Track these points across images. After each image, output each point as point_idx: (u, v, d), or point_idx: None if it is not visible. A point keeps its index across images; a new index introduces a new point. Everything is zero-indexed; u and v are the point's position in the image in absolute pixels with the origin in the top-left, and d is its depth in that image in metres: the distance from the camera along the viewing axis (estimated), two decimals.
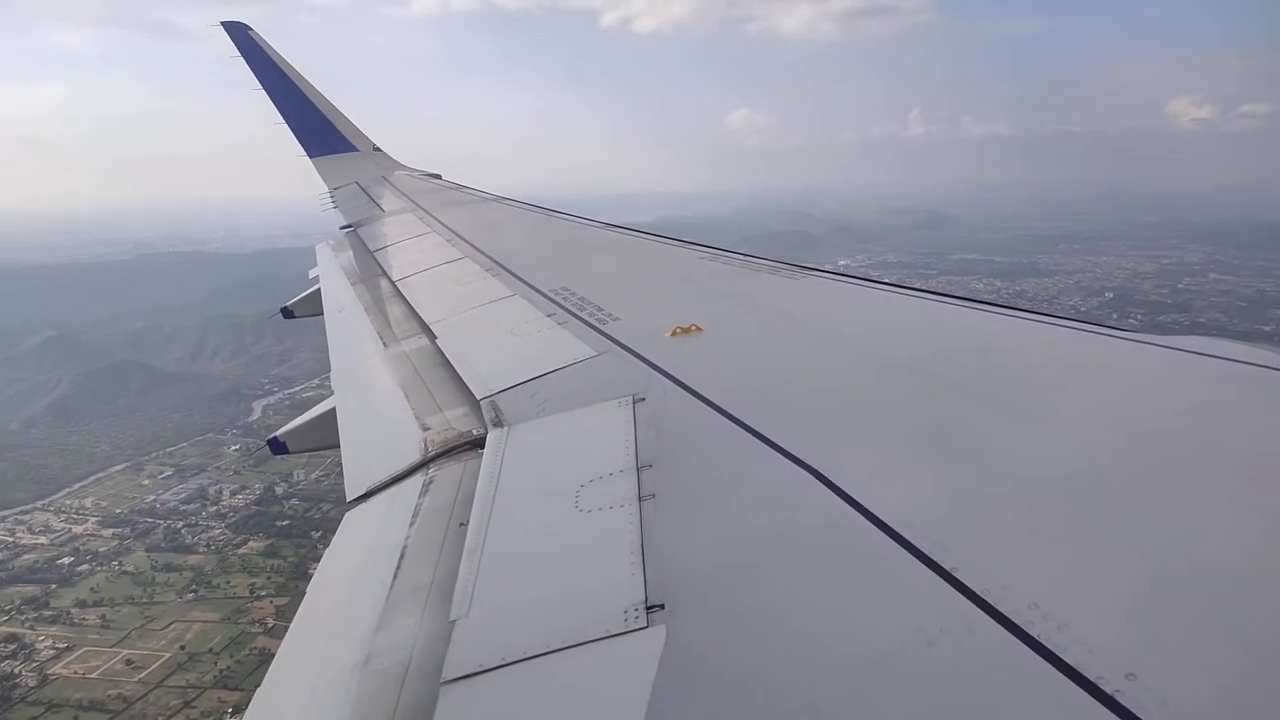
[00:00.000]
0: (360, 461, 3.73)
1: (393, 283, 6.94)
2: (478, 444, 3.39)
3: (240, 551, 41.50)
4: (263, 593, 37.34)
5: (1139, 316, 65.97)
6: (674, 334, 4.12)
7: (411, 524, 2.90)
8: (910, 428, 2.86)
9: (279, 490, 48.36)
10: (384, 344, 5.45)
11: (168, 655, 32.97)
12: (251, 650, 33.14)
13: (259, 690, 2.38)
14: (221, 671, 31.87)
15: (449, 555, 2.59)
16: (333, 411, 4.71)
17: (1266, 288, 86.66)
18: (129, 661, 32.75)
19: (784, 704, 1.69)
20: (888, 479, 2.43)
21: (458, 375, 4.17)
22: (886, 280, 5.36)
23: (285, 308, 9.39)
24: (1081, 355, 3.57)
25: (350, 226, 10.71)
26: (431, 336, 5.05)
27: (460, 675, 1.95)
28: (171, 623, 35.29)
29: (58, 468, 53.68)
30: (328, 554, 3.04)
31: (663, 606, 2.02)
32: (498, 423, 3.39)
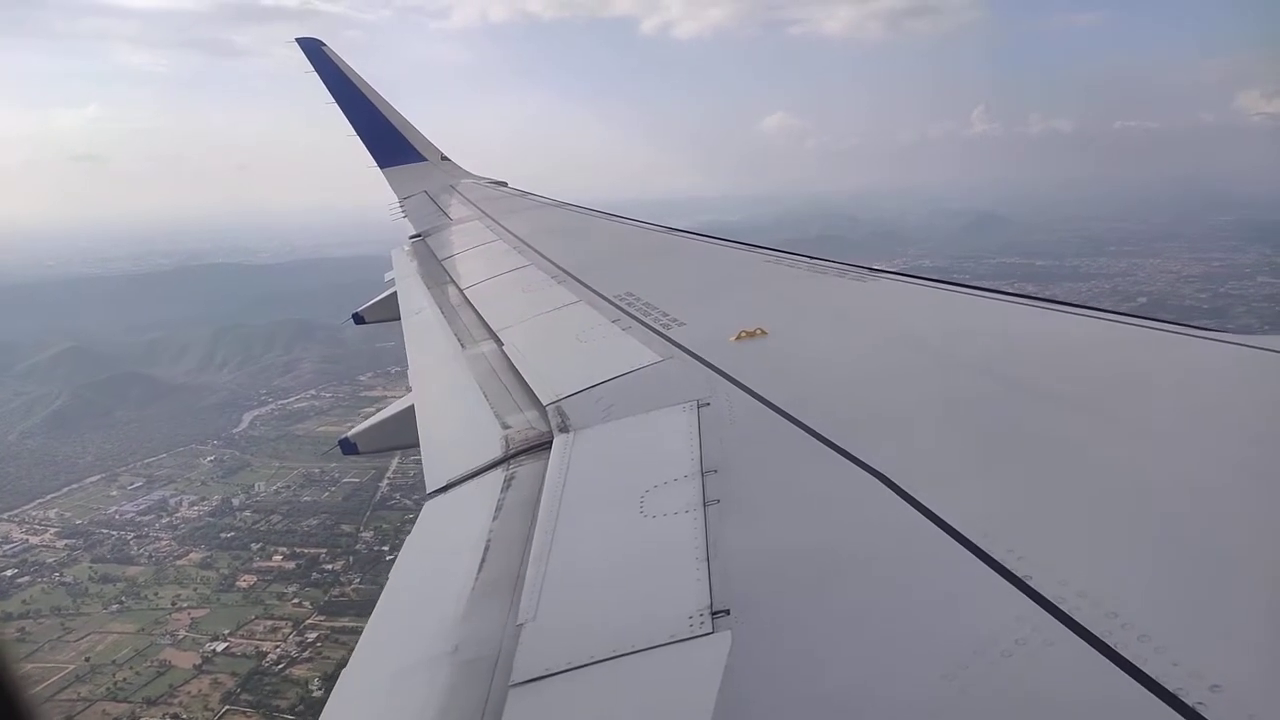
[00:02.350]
0: (440, 455, 3.89)
1: (460, 290, 7.16)
2: None
3: (180, 563, 42.35)
4: (184, 604, 37.90)
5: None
6: (738, 338, 4.13)
7: (495, 517, 2.94)
8: (980, 431, 2.83)
9: (235, 502, 48.96)
10: (462, 345, 5.58)
11: (70, 668, 33.60)
12: (153, 663, 33.56)
13: (344, 672, 2.46)
14: (116, 684, 32.42)
15: None
16: (405, 412, 4.95)
17: None
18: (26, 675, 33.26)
19: (851, 715, 1.70)
20: (958, 484, 2.41)
21: None
22: (954, 281, 5.25)
23: (356, 313, 9.70)
24: (1158, 355, 3.49)
25: (419, 235, 10.98)
26: (499, 343, 5.18)
27: (528, 679, 2.01)
28: (87, 635, 36.13)
29: (39, 478, 55.52)
30: (409, 541, 3.13)
31: (728, 612, 2.03)
32: (564, 428, 3.47)
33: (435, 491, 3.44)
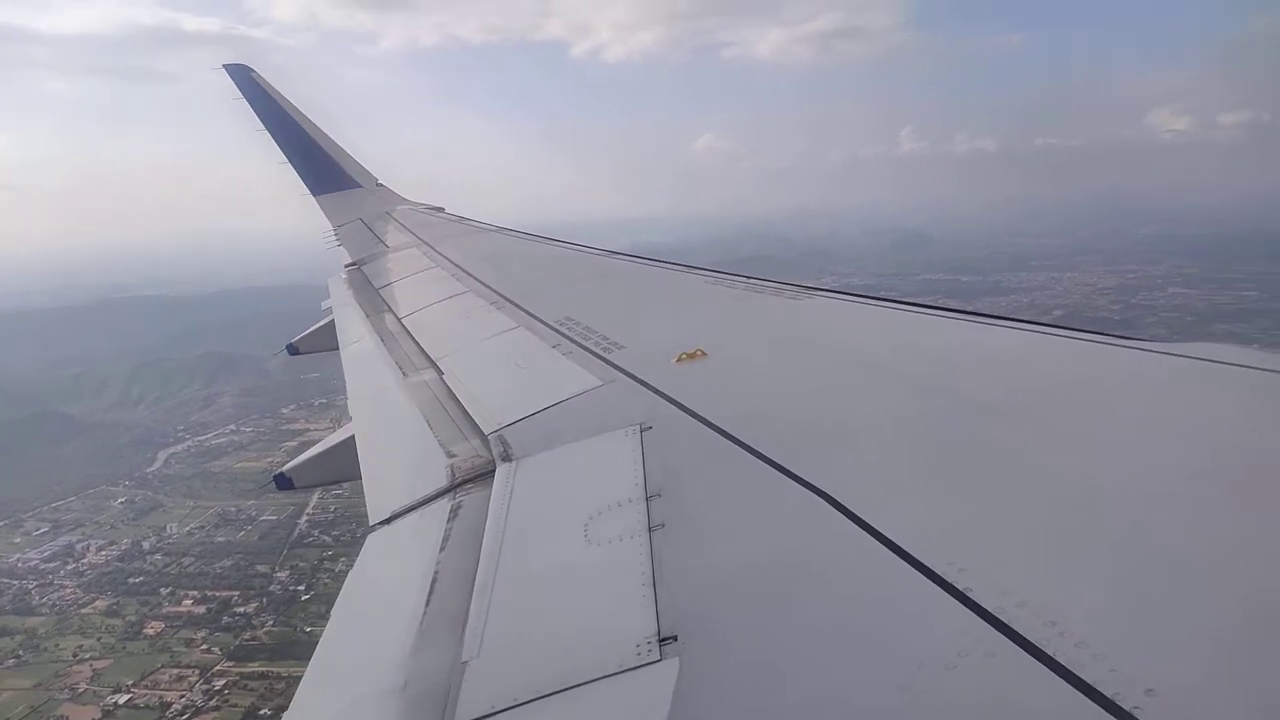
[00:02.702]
0: (383, 486, 3.80)
1: (398, 318, 7.07)
2: None
3: (84, 611, 40.43)
4: (86, 655, 36.23)
5: None
6: (680, 360, 4.13)
7: (442, 548, 2.89)
8: (920, 446, 2.85)
9: (146, 545, 47.28)
10: (403, 373, 5.47)
11: None
12: (51, 718, 32.00)
13: (287, 712, 2.40)
14: None
15: None
16: (344, 445, 4.84)
17: (1221, 301, 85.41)
18: None
19: None
20: (900, 500, 2.43)
21: None
22: (884, 297, 5.33)
23: (291, 344, 9.53)
24: (1087, 366, 3.57)
25: (355, 263, 10.74)
26: (439, 371, 5.12)
27: (474, 718, 2.00)
28: None
29: None
30: (352, 574, 3.04)
31: (676, 639, 2.03)
32: (506, 456, 3.43)
33: (379, 523, 3.38)
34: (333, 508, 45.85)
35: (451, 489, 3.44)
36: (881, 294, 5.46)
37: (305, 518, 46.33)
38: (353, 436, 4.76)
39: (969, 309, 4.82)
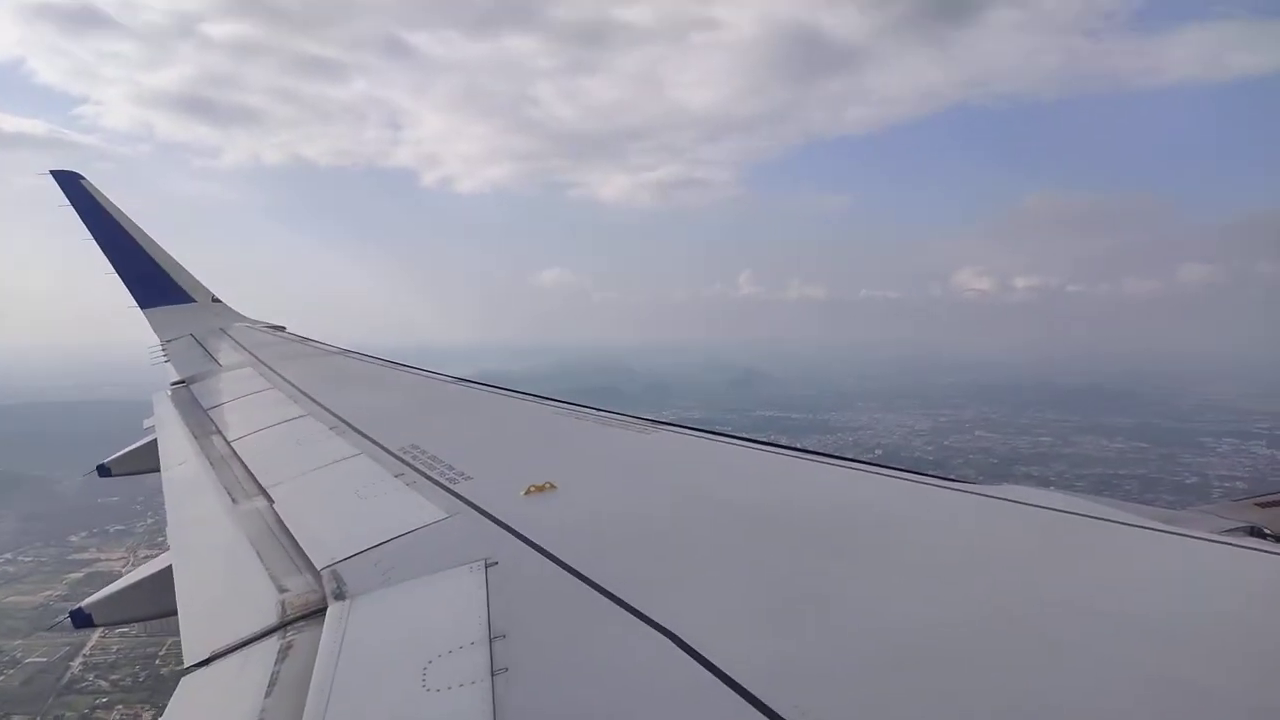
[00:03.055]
0: (202, 622, 3.47)
1: (228, 442, 6.63)
2: None
3: None
4: None
5: None
6: (528, 493, 4.06)
7: (268, 693, 2.65)
8: (762, 583, 2.88)
9: None
10: (233, 500, 5.09)
11: None
12: None
13: None
14: None
15: None
16: (157, 577, 4.53)
17: (1020, 445, 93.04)
18: None
19: None
20: (745, 639, 2.43)
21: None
22: (738, 435, 5.34)
23: (103, 465, 8.79)
24: (911, 504, 3.75)
25: (183, 381, 10.21)
26: (270, 500, 4.79)
27: None
28: None
29: None
30: None
31: None
32: (340, 594, 3.19)
33: (195, 665, 3.07)
34: (115, 648, 40.69)
35: (282, 626, 3.19)
36: (720, 429, 5.58)
37: (80, 659, 40.82)
38: (169, 567, 4.38)
39: (802, 447, 4.99)
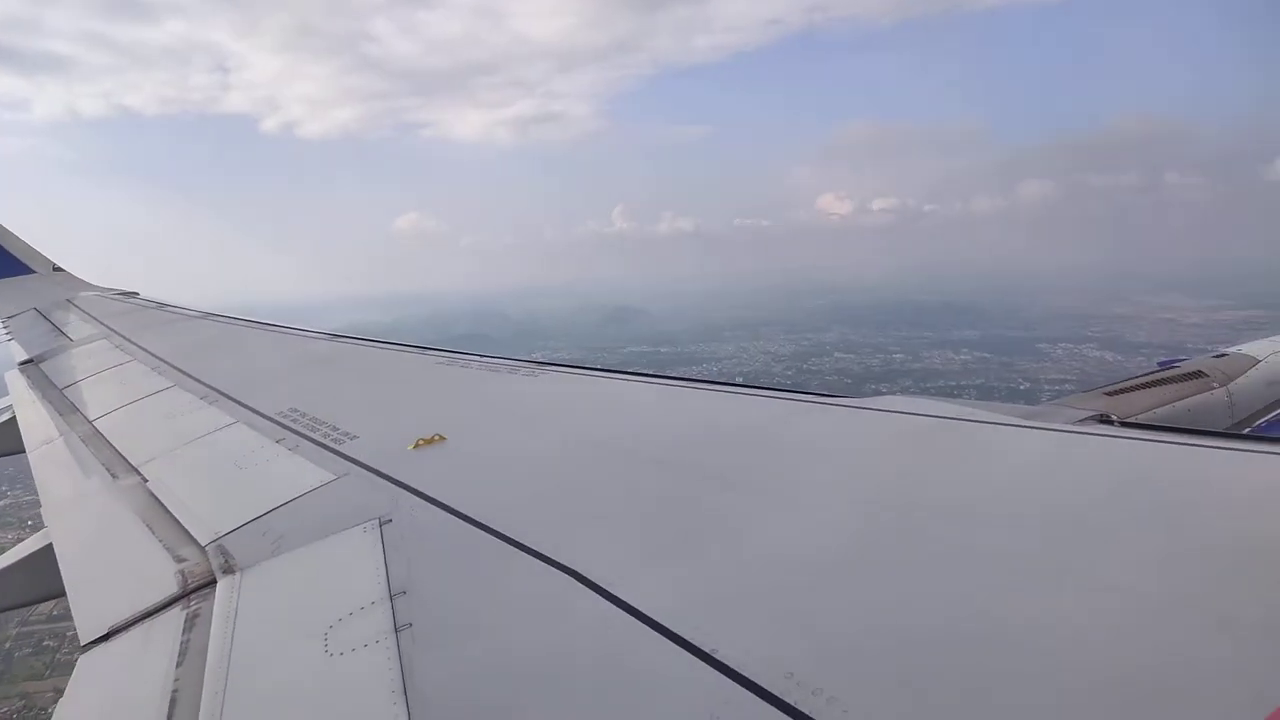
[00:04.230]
0: (95, 599, 3.35)
1: (89, 421, 6.26)
2: None
3: None
4: None
5: None
6: (416, 446, 4.05)
7: (179, 663, 2.60)
8: (660, 512, 2.97)
9: None
10: (113, 476, 4.84)
11: None
12: None
13: None
14: None
15: None
16: (36, 556, 4.39)
17: (873, 364, 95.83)
18: None
19: None
20: (645, 570, 2.50)
21: None
22: (623, 370, 5.38)
23: None
24: (804, 425, 3.83)
25: (31, 360, 9.46)
26: (144, 479, 4.59)
27: None
28: None
29: None
30: (63, 704, 2.65)
31: None
32: (228, 569, 3.15)
33: (93, 641, 2.90)
34: None
35: (184, 595, 3.06)
36: (598, 366, 5.62)
37: None
38: (45, 549, 4.21)
39: (688, 376, 5.12)
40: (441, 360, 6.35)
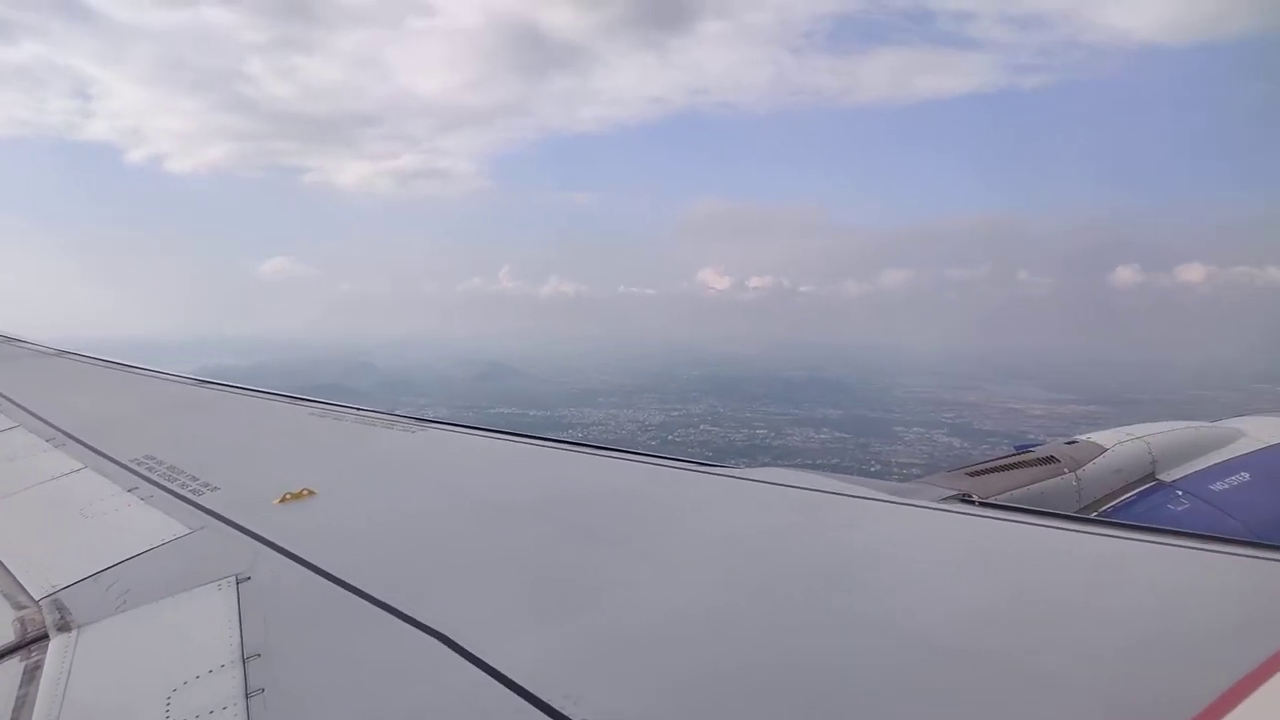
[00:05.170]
0: None
1: None
2: None
3: None
4: None
5: None
6: (283, 500, 3.95)
7: (20, 715, 2.43)
8: (535, 577, 2.98)
9: None
10: None
11: None
12: None
13: None
14: None
15: None
16: None
17: (736, 439, 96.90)
18: None
19: None
20: (516, 635, 2.48)
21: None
22: (504, 430, 5.41)
23: None
24: (680, 491, 3.94)
25: None
26: None
27: None
28: None
29: None
30: None
31: None
32: (64, 626, 2.92)
33: None
34: None
35: (24, 645, 2.85)
36: (484, 426, 5.54)
37: None
38: None
39: (567, 439, 5.12)
40: (314, 412, 6.20)
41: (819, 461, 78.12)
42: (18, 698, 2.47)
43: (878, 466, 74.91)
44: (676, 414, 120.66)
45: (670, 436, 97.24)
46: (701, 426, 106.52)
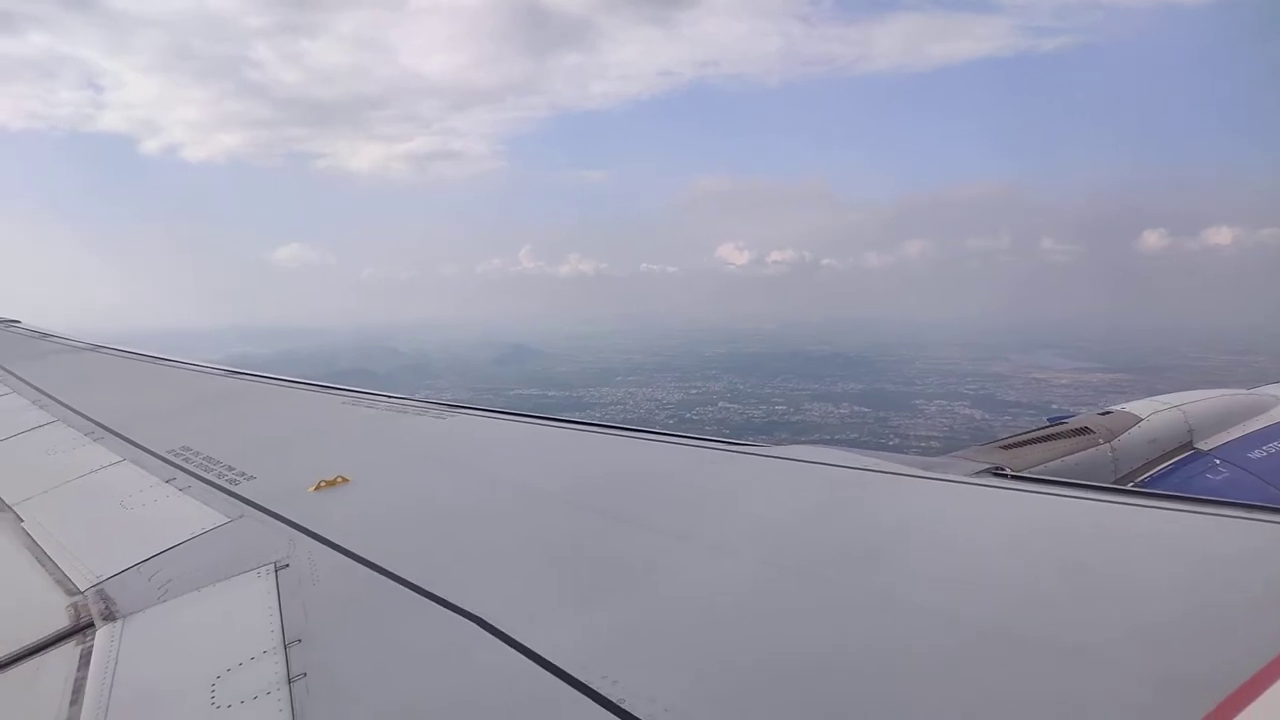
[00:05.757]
0: None
1: None
2: None
3: None
4: None
5: None
6: (318, 488, 3.96)
7: (73, 702, 2.47)
8: (568, 560, 2.96)
9: None
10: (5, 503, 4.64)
11: None
12: None
13: None
14: None
15: None
16: None
17: (755, 415, 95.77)
18: None
19: None
20: (552, 617, 2.48)
21: None
22: (532, 414, 5.42)
23: None
24: (713, 472, 3.89)
25: None
26: (20, 519, 4.39)
27: None
28: None
29: None
30: None
31: None
32: (109, 615, 2.99)
33: None
34: None
35: (78, 630, 2.92)
36: (511, 410, 5.61)
37: None
38: None
39: (598, 421, 5.09)
40: (346, 400, 6.23)
41: (837, 436, 76.92)
42: (76, 680, 2.53)
43: (896, 440, 73.63)
44: (695, 392, 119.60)
45: (689, 414, 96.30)
46: (720, 404, 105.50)
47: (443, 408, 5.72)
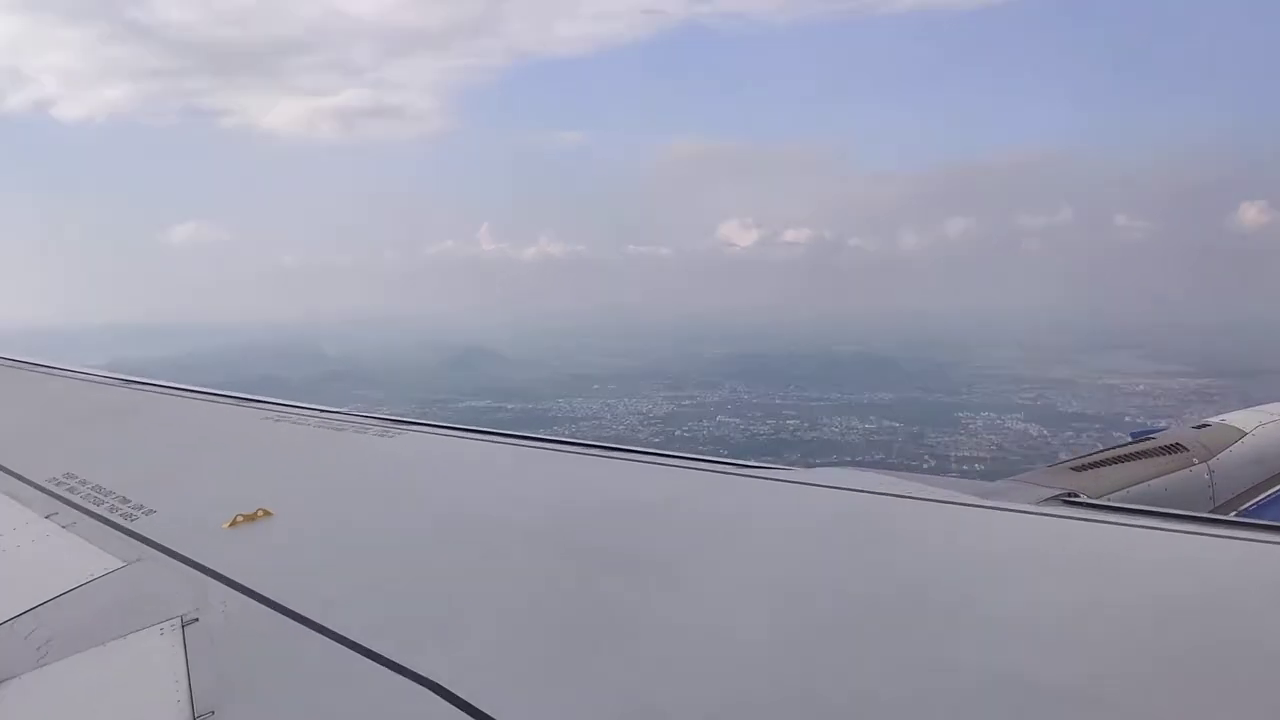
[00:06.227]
0: None
1: None
2: None
3: None
4: None
5: None
6: (233, 524, 3.97)
7: None
8: (545, 610, 2.97)
9: None
10: None
11: None
12: None
13: None
14: None
15: None
16: None
17: (761, 431, 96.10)
18: None
19: None
20: (522, 682, 2.48)
21: None
22: (493, 430, 5.51)
23: None
24: (725, 500, 3.92)
25: None
26: None
27: None
28: None
29: None
30: None
31: None
32: None
33: None
34: None
35: None
36: (461, 426, 5.66)
37: None
38: None
39: (572, 439, 5.18)
40: (268, 415, 6.30)
41: (859, 458, 76.83)
42: None
43: (931, 462, 73.41)
44: (688, 403, 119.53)
45: (677, 431, 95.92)
46: (718, 418, 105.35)
47: (384, 424, 5.82)
